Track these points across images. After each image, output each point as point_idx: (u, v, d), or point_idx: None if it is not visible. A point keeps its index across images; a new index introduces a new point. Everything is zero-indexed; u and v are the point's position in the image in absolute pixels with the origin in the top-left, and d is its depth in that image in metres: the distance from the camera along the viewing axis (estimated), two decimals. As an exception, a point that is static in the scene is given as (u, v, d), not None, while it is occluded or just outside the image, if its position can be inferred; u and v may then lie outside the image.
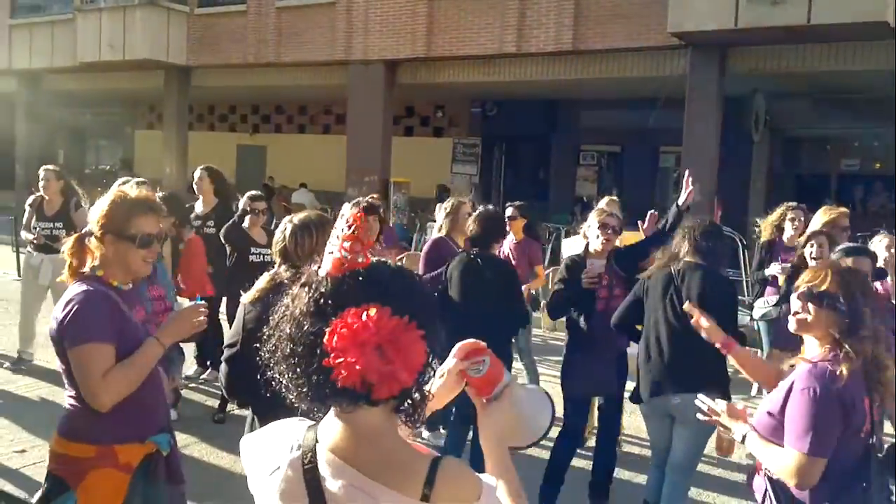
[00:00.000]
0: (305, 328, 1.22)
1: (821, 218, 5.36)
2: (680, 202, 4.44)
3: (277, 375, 1.26)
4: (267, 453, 1.34)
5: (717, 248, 3.82)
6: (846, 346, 2.34)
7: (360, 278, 1.22)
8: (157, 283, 3.91)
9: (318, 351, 1.19)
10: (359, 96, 14.12)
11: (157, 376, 2.51)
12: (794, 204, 6.09)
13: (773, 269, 5.74)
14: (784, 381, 2.44)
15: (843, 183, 14.22)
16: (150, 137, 21.17)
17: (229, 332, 2.93)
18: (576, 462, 4.47)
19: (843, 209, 5.48)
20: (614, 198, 6.32)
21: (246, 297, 2.80)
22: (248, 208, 5.56)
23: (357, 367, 1.16)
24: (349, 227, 1.22)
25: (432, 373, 1.27)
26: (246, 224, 5.55)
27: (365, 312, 1.17)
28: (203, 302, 2.51)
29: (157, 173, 16.47)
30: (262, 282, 2.82)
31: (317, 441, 1.28)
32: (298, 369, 1.22)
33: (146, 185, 2.83)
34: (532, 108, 16.33)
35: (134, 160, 22.10)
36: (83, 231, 2.45)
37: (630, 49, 11.66)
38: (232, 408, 5.54)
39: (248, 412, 2.93)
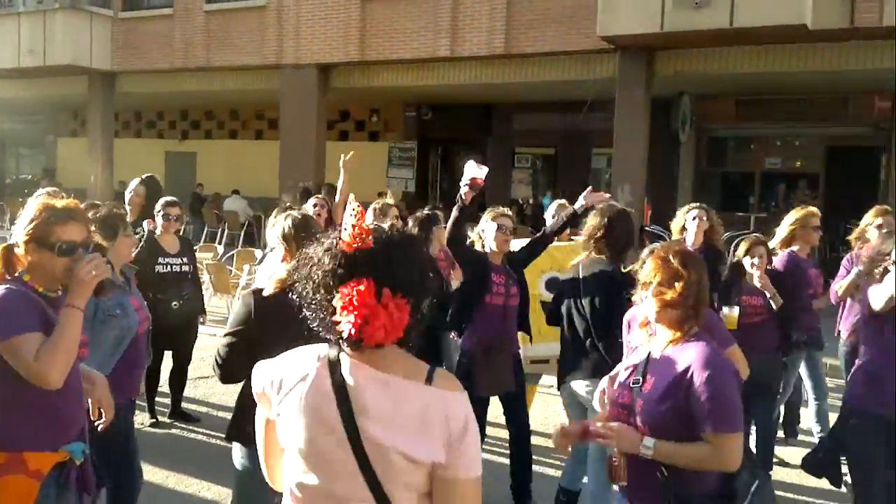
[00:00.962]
0: (323, 287, 1.63)
1: (792, 216, 5.38)
2: (577, 206, 4.41)
3: (306, 307, 1.67)
4: (291, 368, 1.72)
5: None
6: (695, 320, 2.38)
7: (366, 255, 1.61)
8: (134, 294, 3.80)
9: (330, 310, 1.62)
10: (291, 101, 13.95)
11: (76, 386, 2.52)
12: (696, 204, 6.21)
13: None
14: (660, 369, 2.38)
15: (766, 181, 14.73)
16: (73, 145, 20.49)
17: (231, 321, 2.99)
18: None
19: (811, 208, 5.42)
20: (563, 202, 6.33)
21: (267, 289, 2.91)
22: (162, 214, 5.36)
23: (350, 324, 1.57)
24: (355, 217, 1.64)
25: (422, 325, 1.67)
26: (158, 231, 5.35)
27: (357, 287, 1.57)
28: (94, 253, 2.46)
29: (81, 182, 15.95)
30: (278, 278, 2.89)
31: (340, 350, 1.68)
32: (317, 311, 1.65)
33: (62, 194, 2.77)
34: (467, 111, 16.42)
35: (57, 169, 21.36)
36: (11, 241, 2.50)
37: (561, 53, 11.84)
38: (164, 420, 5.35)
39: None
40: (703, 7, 9.65)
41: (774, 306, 4.74)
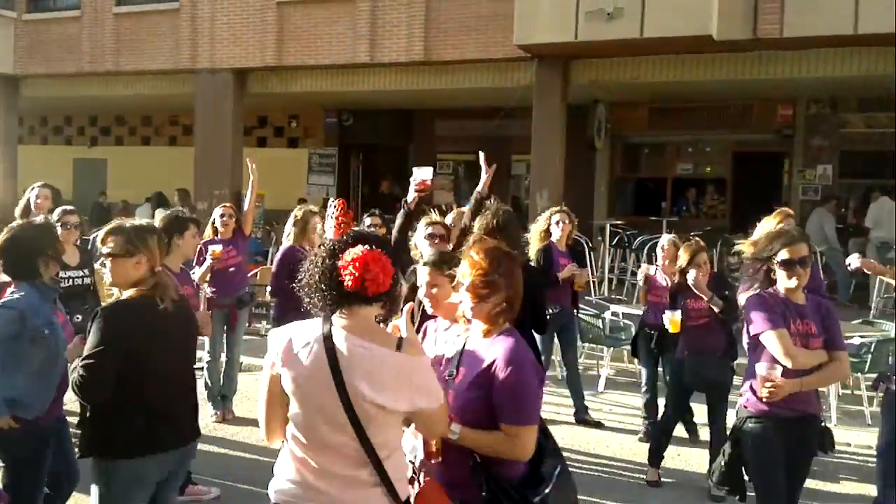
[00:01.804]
0: (326, 264, 2.24)
1: (771, 221, 5.51)
2: (479, 188, 4.44)
3: (307, 298, 2.28)
4: (300, 335, 2.27)
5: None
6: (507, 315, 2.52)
7: (352, 235, 2.30)
8: (60, 308, 3.71)
9: (334, 274, 2.21)
10: (206, 106, 13.63)
11: None
12: (557, 208, 6.55)
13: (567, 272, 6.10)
14: (470, 362, 2.51)
15: (677, 186, 15.24)
16: (-27, 152, 19.43)
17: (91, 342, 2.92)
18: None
19: (786, 209, 5.41)
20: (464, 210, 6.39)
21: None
22: (60, 223, 5.12)
23: (357, 274, 2.18)
24: (339, 209, 2.57)
25: (400, 284, 2.39)
26: None
27: (358, 247, 2.23)
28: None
29: (-18, 191, 15.15)
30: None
31: (332, 326, 2.24)
32: (322, 286, 2.22)
33: None
34: (388, 117, 16.38)
35: (-45, 177, 20.20)
36: None
37: (479, 60, 11.97)
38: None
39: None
40: (615, 18, 9.92)
41: (716, 309, 4.95)
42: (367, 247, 2.21)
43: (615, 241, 12.79)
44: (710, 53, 10.77)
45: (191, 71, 13.70)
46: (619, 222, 13.64)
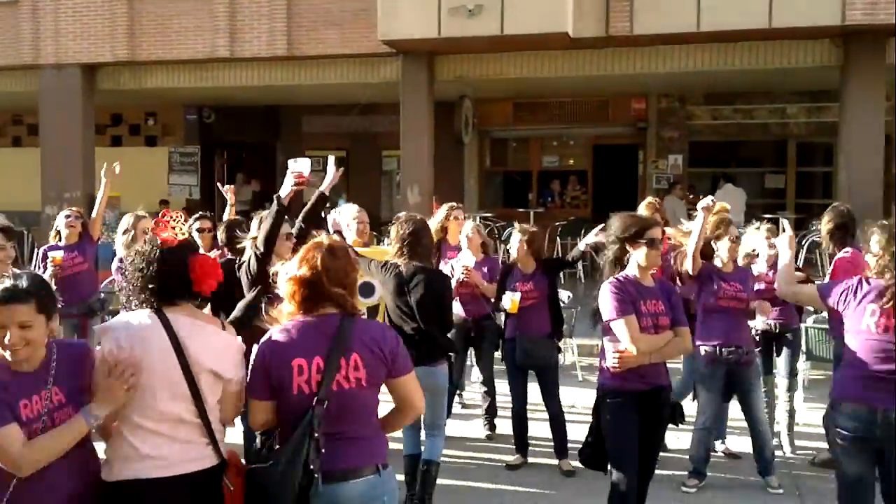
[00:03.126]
0: (154, 268, 2.59)
1: (643, 212, 5.73)
2: (322, 188, 4.35)
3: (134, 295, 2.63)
4: (131, 327, 2.56)
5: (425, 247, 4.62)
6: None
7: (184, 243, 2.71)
8: None
9: (178, 274, 2.61)
10: (52, 104, 12.75)
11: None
12: (454, 204, 6.76)
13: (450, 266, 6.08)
14: None
15: (542, 178, 15.73)
16: None
17: None
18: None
19: (654, 201, 6.14)
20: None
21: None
22: None
23: (198, 279, 2.62)
24: (164, 217, 2.67)
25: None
26: None
27: (197, 258, 2.68)
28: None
29: None
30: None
31: (166, 315, 2.58)
32: (151, 285, 2.59)
33: None
34: (253, 114, 15.94)
35: None
36: None
37: (343, 55, 11.85)
38: None
39: None
40: (476, 15, 10.09)
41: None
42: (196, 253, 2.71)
43: (486, 232, 13.02)
44: (567, 50, 11.17)
45: (34, 66, 12.78)
46: (488, 215, 13.92)
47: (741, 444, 5.51)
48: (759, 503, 4.89)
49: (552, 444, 5.46)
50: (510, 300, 5.32)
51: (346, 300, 2.63)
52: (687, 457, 5.14)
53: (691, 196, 13.19)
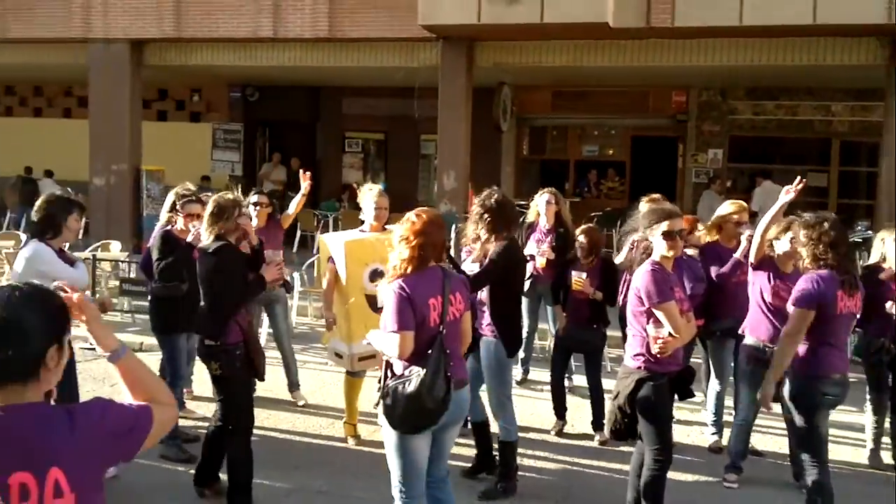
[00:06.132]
0: None
1: (727, 209, 5.75)
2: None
3: None
4: None
5: None
6: None
7: None
8: None
9: None
10: (101, 78, 13.10)
11: None
12: (549, 189, 6.79)
13: (531, 248, 6.46)
14: None
15: (580, 168, 15.67)
16: None
17: None
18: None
19: (656, 196, 5.93)
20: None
21: None
22: None
23: None
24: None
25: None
26: None
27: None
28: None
29: None
30: None
31: None
32: None
33: None
34: (295, 94, 16.14)
35: None
36: None
37: (384, 39, 11.94)
38: None
39: None
40: (516, 2, 10.09)
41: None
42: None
43: (521, 220, 13.06)
44: (607, 40, 11.10)
45: (84, 41, 13.13)
46: (524, 203, 13.90)
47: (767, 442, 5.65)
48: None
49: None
50: (576, 280, 5.60)
51: (442, 258, 3.63)
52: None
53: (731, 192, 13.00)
